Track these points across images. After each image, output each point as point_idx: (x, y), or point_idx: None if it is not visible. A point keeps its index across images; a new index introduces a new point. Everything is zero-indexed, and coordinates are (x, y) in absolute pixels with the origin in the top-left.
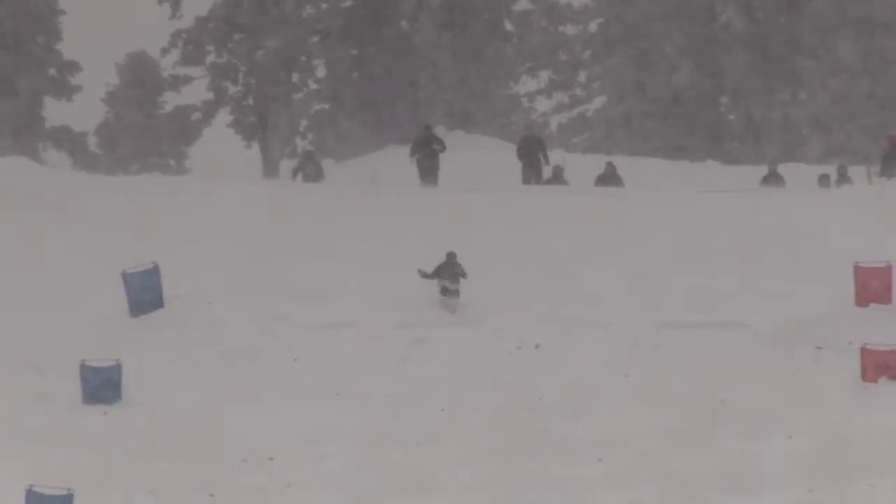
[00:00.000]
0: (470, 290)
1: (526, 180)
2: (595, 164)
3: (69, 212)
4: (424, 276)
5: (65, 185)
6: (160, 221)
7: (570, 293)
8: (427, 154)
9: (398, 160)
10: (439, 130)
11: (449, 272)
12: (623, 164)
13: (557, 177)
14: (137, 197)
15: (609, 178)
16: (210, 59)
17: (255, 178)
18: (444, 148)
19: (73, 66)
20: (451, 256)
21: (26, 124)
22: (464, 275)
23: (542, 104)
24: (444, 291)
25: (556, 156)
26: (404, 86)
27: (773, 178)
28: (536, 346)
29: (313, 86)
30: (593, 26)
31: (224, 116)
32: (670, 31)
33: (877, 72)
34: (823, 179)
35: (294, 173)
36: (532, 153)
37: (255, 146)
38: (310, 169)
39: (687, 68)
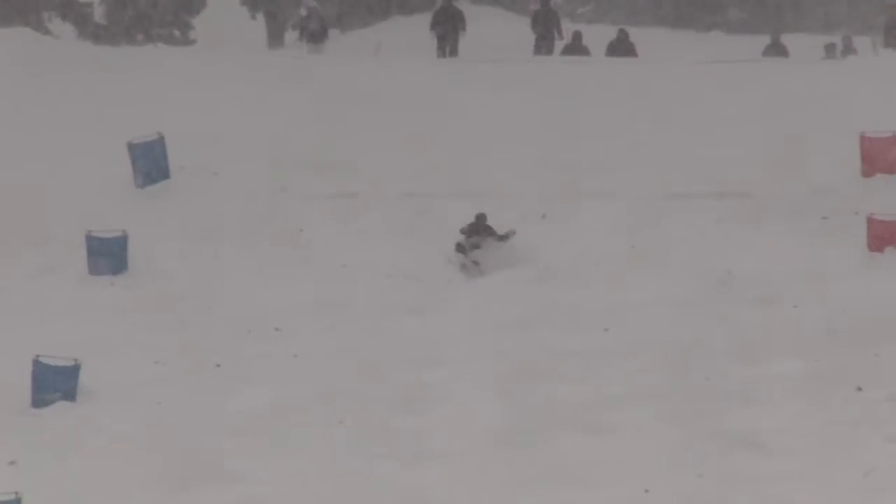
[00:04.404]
0: (476, 162)
1: (537, 51)
2: (602, 34)
3: (74, 83)
4: (461, 249)
5: (70, 56)
6: (165, 92)
7: (576, 163)
8: (449, 28)
9: (403, 31)
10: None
11: (477, 240)
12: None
13: (577, 43)
14: (142, 68)
15: (621, 45)
16: None
17: (261, 49)
18: (464, 26)
19: None
20: (480, 219)
21: None
22: (501, 238)
23: None
24: (458, 248)
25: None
26: None
27: (775, 49)
28: (543, 217)
29: None
30: None
31: None
32: None
33: None
34: (829, 49)
35: (300, 34)
36: (546, 26)
37: (260, 17)
38: (313, 25)
39: None
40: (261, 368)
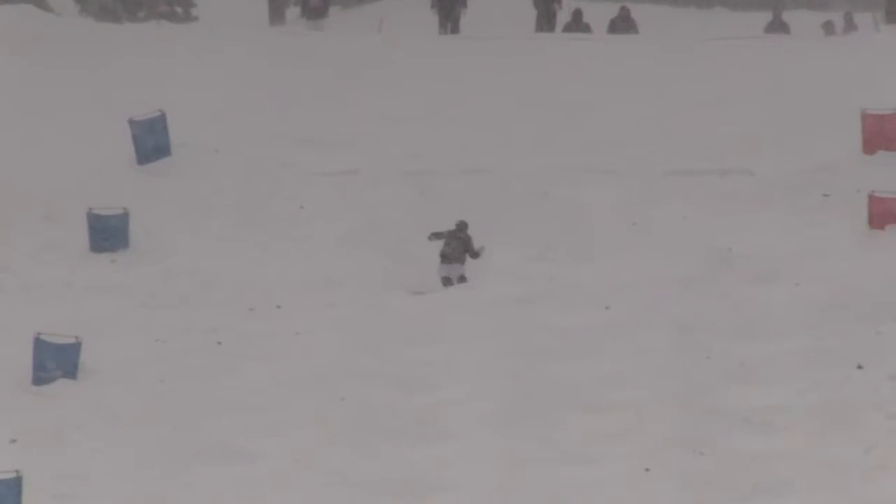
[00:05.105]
0: (478, 139)
1: (539, 28)
2: (604, 10)
3: (76, 59)
4: (434, 238)
5: (72, 33)
6: (167, 69)
7: (578, 141)
8: (450, 4)
9: (404, 7)
10: None
11: (453, 250)
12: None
13: (577, 21)
14: (144, 45)
15: (623, 22)
16: None
17: (262, 26)
18: (466, 3)
19: None
20: (460, 227)
21: None
22: (472, 254)
23: None
24: (447, 283)
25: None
26: None
27: (777, 25)
28: (544, 194)
29: None
30: None
31: None
32: None
33: None
34: (827, 27)
35: (301, 10)
36: (547, 3)
37: None
38: (314, 2)
39: None
40: (262, 346)
